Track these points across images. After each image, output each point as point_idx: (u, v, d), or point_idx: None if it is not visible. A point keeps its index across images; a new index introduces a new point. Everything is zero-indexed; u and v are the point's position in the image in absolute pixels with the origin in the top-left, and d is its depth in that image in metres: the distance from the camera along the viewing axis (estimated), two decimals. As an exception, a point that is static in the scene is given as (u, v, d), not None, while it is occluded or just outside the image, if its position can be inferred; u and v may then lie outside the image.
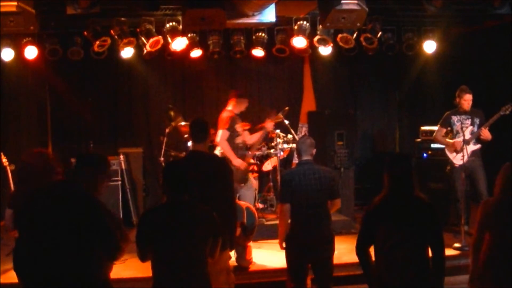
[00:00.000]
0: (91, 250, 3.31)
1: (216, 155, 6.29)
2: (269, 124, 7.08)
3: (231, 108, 7.03)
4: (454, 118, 6.91)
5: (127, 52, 7.30)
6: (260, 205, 7.86)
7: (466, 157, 6.57)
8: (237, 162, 6.74)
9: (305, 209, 4.63)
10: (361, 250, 3.79)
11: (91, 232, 3.30)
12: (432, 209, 3.70)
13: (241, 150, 7.07)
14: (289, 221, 4.74)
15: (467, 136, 6.72)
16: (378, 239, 3.68)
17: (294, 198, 4.65)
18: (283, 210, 4.72)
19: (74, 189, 3.44)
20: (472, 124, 6.83)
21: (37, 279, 3.33)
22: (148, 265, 3.58)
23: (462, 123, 6.81)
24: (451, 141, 6.93)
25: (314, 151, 4.84)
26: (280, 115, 7.39)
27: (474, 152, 6.79)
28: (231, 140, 6.82)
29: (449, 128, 7.02)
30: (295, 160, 7.41)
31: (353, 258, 6.20)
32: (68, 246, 3.27)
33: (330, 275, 4.73)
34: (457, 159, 6.78)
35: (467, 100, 6.82)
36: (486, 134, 6.69)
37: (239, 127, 7.02)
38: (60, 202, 3.37)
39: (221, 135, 6.78)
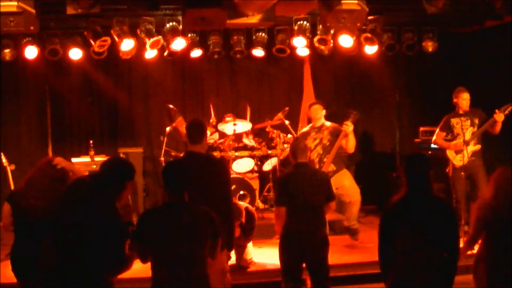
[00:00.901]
0: (91, 257, 3.25)
1: (213, 156, 6.23)
2: (347, 127, 6.48)
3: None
4: (454, 121, 6.87)
5: (127, 52, 7.29)
6: (261, 205, 7.86)
7: (466, 158, 6.57)
8: None
9: (301, 211, 4.62)
10: (383, 252, 3.70)
11: (92, 238, 3.25)
12: (451, 209, 3.72)
13: (320, 163, 6.67)
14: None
15: (467, 137, 6.72)
16: (397, 240, 3.61)
17: (290, 201, 4.64)
18: (279, 214, 4.72)
19: (83, 191, 3.38)
20: (472, 124, 6.80)
21: (37, 279, 3.31)
22: (148, 265, 3.58)
23: (462, 125, 6.79)
24: (452, 143, 6.91)
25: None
26: (357, 115, 6.59)
27: (474, 153, 6.77)
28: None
29: (449, 131, 7.00)
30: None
31: (353, 258, 6.28)
32: (68, 249, 3.24)
33: (326, 276, 4.73)
34: (457, 160, 6.78)
35: (465, 99, 6.79)
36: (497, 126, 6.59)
37: (312, 139, 6.73)
38: (64, 204, 3.32)
39: None
